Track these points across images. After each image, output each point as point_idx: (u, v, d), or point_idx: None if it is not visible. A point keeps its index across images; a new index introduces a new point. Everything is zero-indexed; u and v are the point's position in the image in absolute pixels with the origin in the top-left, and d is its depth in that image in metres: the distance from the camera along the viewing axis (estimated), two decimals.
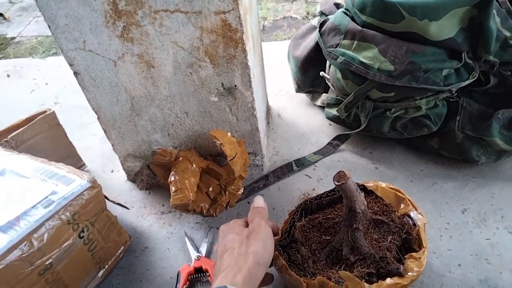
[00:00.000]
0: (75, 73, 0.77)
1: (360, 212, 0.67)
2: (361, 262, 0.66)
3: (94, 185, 0.76)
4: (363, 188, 0.78)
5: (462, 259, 0.78)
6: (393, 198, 0.75)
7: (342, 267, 0.67)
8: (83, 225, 0.73)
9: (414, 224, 0.70)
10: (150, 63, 0.76)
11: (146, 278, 0.81)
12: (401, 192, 0.75)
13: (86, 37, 0.71)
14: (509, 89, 0.89)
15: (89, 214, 0.75)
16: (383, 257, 0.66)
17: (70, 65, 0.75)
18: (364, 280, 0.63)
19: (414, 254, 0.66)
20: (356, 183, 0.78)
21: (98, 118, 0.86)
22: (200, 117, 0.86)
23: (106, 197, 0.81)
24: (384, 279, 0.62)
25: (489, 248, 0.79)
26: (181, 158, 0.90)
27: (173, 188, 0.85)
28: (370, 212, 0.72)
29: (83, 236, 0.73)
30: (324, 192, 0.78)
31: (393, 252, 0.67)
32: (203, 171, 0.93)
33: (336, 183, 0.63)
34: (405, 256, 0.67)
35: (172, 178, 0.87)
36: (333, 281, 0.63)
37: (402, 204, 0.74)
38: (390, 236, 0.69)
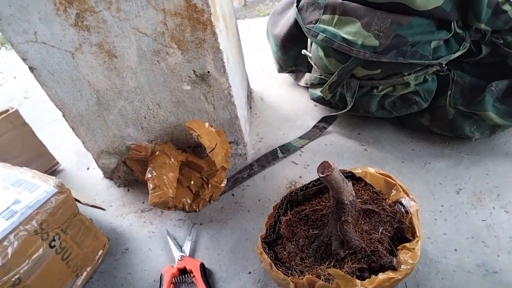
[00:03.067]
0: (31, 68, 0.70)
1: (348, 203, 0.62)
2: (351, 256, 0.62)
3: (62, 189, 0.70)
4: (351, 175, 0.73)
5: (458, 243, 0.74)
6: (383, 184, 0.71)
7: (332, 263, 0.63)
8: (53, 234, 0.68)
9: (407, 212, 0.66)
10: (111, 53, 0.69)
11: (128, 282, 0.76)
12: (391, 178, 0.70)
13: (37, 28, 0.64)
14: (502, 58, 0.84)
15: (59, 221, 0.69)
16: (375, 251, 0.61)
17: (23, 60, 0.68)
18: (355, 276, 0.59)
19: (407, 244, 0.62)
20: (343, 170, 0.73)
21: (64, 115, 0.79)
22: (174, 107, 0.80)
23: (77, 200, 0.75)
24: (376, 274, 0.58)
25: (486, 229, 0.75)
26: (157, 153, 0.84)
27: (151, 186, 0.80)
28: (359, 201, 0.68)
29: (54, 245, 0.68)
30: (310, 182, 0.74)
31: (385, 244, 0.63)
32: (182, 164, 0.87)
33: (321, 175, 0.58)
34: (398, 247, 0.62)
35: (149, 175, 0.81)
36: (322, 279, 0.59)
37: (393, 191, 0.70)
38: (382, 227, 0.65)
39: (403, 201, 0.67)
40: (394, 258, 0.60)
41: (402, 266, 0.59)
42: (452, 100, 0.85)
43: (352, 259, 0.62)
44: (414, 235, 0.63)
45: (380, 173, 0.71)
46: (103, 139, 0.84)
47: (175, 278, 0.74)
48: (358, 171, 0.72)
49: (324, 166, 0.59)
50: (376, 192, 0.70)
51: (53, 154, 1.00)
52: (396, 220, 0.65)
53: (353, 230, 0.63)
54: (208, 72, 0.74)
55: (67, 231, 0.71)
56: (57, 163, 1.01)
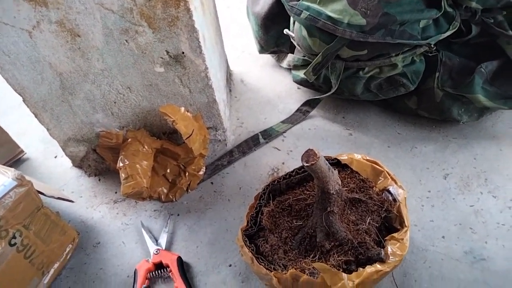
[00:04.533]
0: None
1: (334, 193, 0.59)
2: (337, 249, 0.59)
3: (22, 182, 0.64)
4: (336, 162, 0.69)
5: (446, 230, 0.72)
6: (370, 171, 0.67)
7: (317, 256, 0.60)
8: (13, 231, 0.62)
9: (394, 200, 0.63)
10: (74, 32, 0.62)
11: (99, 278, 0.72)
12: (378, 164, 0.67)
13: None
14: (491, 38, 0.80)
15: (20, 216, 0.63)
16: (362, 242, 0.58)
17: None
18: (341, 270, 0.56)
19: (395, 234, 0.59)
20: (328, 157, 0.69)
21: (24, 101, 0.72)
22: (146, 91, 0.74)
23: (41, 193, 0.69)
24: (364, 267, 0.55)
25: (474, 215, 0.73)
26: (130, 140, 0.78)
27: (123, 175, 0.75)
28: (346, 190, 0.64)
29: (15, 243, 0.63)
30: (294, 170, 0.70)
31: (372, 235, 0.60)
32: (157, 152, 0.82)
33: (305, 164, 0.54)
34: (386, 238, 0.59)
35: (121, 164, 0.76)
36: (307, 274, 0.55)
37: (380, 178, 0.66)
38: (369, 217, 0.61)
39: (391, 189, 0.64)
40: (382, 249, 0.57)
41: (391, 258, 0.56)
42: (440, 82, 0.82)
43: (338, 252, 0.59)
44: (402, 224, 0.61)
45: (367, 160, 0.68)
46: (70, 125, 0.78)
47: (151, 273, 0.70)
48: (344, 157, 0.69)
49: (309, 154, 0.55)
50: (362, 179, 0.67)
51: (16, 142, 0.92)
52: (383, 209, 0.62)
53: (339, 220, 0.60)
54: (183, 52, 0.68)
55: (29, 227, 0.65)
56: (22, 151, 0.94)
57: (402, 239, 0.58)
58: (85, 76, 0.69)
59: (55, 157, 0.93)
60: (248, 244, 0.61)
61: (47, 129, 0.78)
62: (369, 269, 0.55)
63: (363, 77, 0.84)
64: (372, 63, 0.81)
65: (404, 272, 0.67)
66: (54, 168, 0.91)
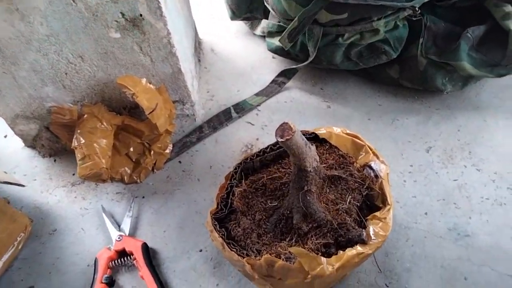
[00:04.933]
0: None
1: (312, 170, 0.53)
2: (316, 231, 0.54)
3: None
4: (313, 136, 0.64)
5: (429, 206, 0.68)
6: (351, 146, 0.62)
7: (294, 239, 0.55)
8: None
9: (376, 176, 0.58)
10: None
11: (56, 268, 0.65)
12: (359, 138, 0.62)
13: None
14: (479, 1, 0.75)
15: None
16: (342, 223, 0.54)
17: None
18: (320, 253, 0.52)
19: (377, 213, 0.54)
20: (305, 131, 0.64)
21: None
22: (102, 60, 0.65)
23: None
24: (344, 249, 0.51)
25: (457, 190, 0.70)
26: (86, 116, 0.70)
27: (79, 155, 0.68)
28: (324, 167, 0.59)
29: None
30: (268, 146, 0.64)
31: (353, 215, 0.55)
32: (118, 129, 0.74)
33: (280, 140, 0.48)
34: (368, 217, 0.55)
35: (77, 143, 0.68)
36: (282, 259, 0.51)
37: (361, 153, 0.61)
38: (349, 195, 0.57)
39: (373, 165, 0.59)
40: (363, 230, 0.53)
41: (373, 239, 0.52)
42: (424, 49, 0.76)
43: (317, 234, 0.54)
44: (384, 202, 0.56)
45: (347, 133, 0.62)
46: (16, 100, 0.69)
47: (113, 262, 0.64)
48: (322, 131, 0.63)
49: (284, 129, 0.49)
50: (342, 155, 0.61)
51: None
52: (365, 186, 0.58)
53: (317, 200, 0.55)
54: (141, 15, 0.60)
55: None
56: None
57: (385, 218, 0.53)
58: (28, 44, 0.60)
59: (5, 136, 0.84)
60: (219, 229, 0.56)
61: None
62: (350, 252, 0.50)
63: (342, 44, 0.78)
64: (353, 29, 0.75)
65: (385, 251, 0.64)
66: (3, 149, 0.82)
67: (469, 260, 0.62)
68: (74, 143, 0.68)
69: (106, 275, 0.62)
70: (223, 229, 0.56)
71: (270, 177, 0.61)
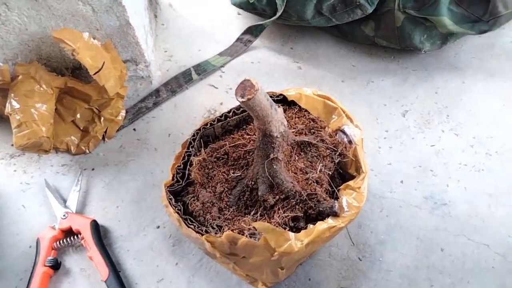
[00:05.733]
0: None
1: (279, 135, 0.48)
2: (283, 203, 0.49)
3: None
4: (282, 98, 0.57)
5: (405, 173, 0.64)
6: (322, 109, 0.56)
7: (259, 212, 0.50)
8: None
9: (350, 142, 0.53)
10: None
11: None
12: (331, 100, 0.56)
13: None
14: None
15: None
16: (312, 194, 0.48)
17: None
18: (288, 228, 0.47)
19: (351, 183, 0.50)
20: (272, 92, 0.57)
21: None
22: (32, 9, 0.55)
23: None
24: (314, 223, 0.46)
25: (434, 156, 0.66)
26: (20, 77, 0.61)
27: (14, 123, 0.59)
28: (293, 132, 0.53)
29: None
30: (231, 110, 0.57)
31: (324, 184, 0.50)
32: (61, 92, 0.66)
33: (241, 99, 0.42)
34: (340, 187, 0.50)
35: (10, 108, 0.59)
36: (246, 235, 0.45)
37: (333, 116, 0.56)
38: (320, 163, 0.51)
39: (346, 129, 0.54)
40: (335, 201, 0.48)
41: (346, 211, 0.47)
42: (401, 3, 0.70)
43: (284, 206, 0.49)
44: (358, 170, 0.51)
45: (318, 95, 0.56)
46: None
47: (58, 242, 0.57)
48: (290, 93, 0.57)
49: (245, 87, 0.42)
50: (313, 119, 0.56)
51: None
52: (337, 153, 0.52)
53: (285, 169, 0.49)
54: None
55: None
56: None
57: (359, 187, 0.49)
58: None
59: None
60: (174, 203, 0.50)
61: None
62: (321, 225, 0.45)
63: None
64: None
65: (359, 223, 0.59)
66: None
67: (445, 230, 0.58)
68: (8, 108, 0.59)
69: (50, 257, 0.55)
70: (179, 204, 0.50)
71: (233, 144, 0.55)
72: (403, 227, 0.59)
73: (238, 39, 0.82)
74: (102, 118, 0.68)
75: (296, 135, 0.53)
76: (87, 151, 0.67)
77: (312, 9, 0.73)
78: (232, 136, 0.56)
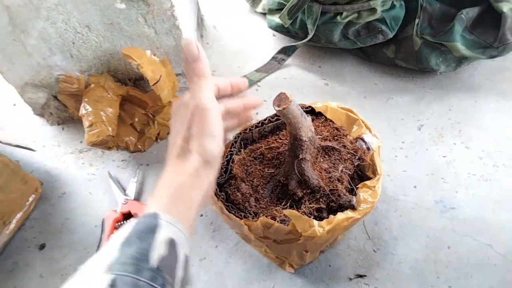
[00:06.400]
0: None
1: (307, 139, 0.56)
2: (309, 196, 0.58)
3: None
4: (310, 110, 0.67)
5: (418, 180, 0.72)
6: (345, 119, 0.65)
7: (288, 203, 0.58)
8: None
9: (368, 148, 0.62)
10: None
11: (66, 228, 0.69)
12: (353, 113, 0.65)
13: None
14: None
15: None
16: (334, 190, 0.57)
17: None
18: (313, 217, 0.55)
19: (367, 182, 0.58)
20: (302, 105, 0.67)
21: None
22: (108, 31, 0.68)
23: None
24: (335, 214, 0.54)
25: (446, 166, 0.73)
26: (92, 85, 0.73)
27: (86, 123, 0.71)
28: (319, 138, 0.62)
29: None
30: (266, 118, 0.67)
31: (344, 182, 0.59)
32: (123, 99, 0.77)
33: (277, 108, 0.51)
34: (358, 186, 0.58)
35: (84, 111, 0.71)
36: (278, 221, 0.54)
37: (354, 126, 0.64)
38: (342, 165, 0.60)
39: (365, 137, 0.63)
40: (353, 197, 0.56)
41: (362, 205, 0.55)
42: (419, 29, 0.79)
43: (310, 199, 0.57)
44: (375, 172, 0.59)
45: (342, 108, 0.65)
46: (25, 68, 0.72)
47: (119, 223, 0.67)
48: (318, 105, 0.66)
49: (281, 98, 0.52)
50: (336, 128, 0.64)
51: None
52: (357, 157, 0.61)
53: (311, 168, 0.58)
54: None
55: None
56: None
57: (374, 186, 0.57)
58: (37, 12, 0.63)
59: (14, 105, 0.87)
60: (218, 193, 0.59)
61: (0, 73, 0.72)
62: (340, 216, 0.54)
63: (340, 22, 0.80)
64: (350, 7, 0.77)
65: (375, 220, 0.67)
66: (13, 117, 0.85)
67: (453, 231, 0.65)
68: (82, 111, 0.71)
69: (112, 235, 0.65)
70: (222, 193, 0.60)
71: (268, 147, 0.64)
72: (415, 226, 0.66)
73: (273, 58, 0.93)
74: (156, 122, 0.79)
75: (322, 141, 0.62)
76: (143, 149, 0.78)
77: (339, 33, 0.82)
78: (267, 139, 0.66)
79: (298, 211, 0.56)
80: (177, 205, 0.38)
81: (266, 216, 0.55)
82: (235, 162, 0.63)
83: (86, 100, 0.72)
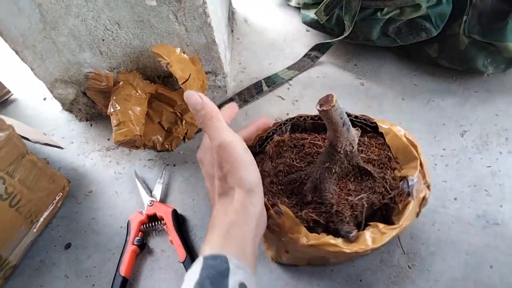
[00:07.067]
0: None
1: (342, 152, 0.52)
2: (316, 205, 0.53)
3: (2, 127, 0.58)
4: (374, 126, 0.60)
5: (459, 191, 0.67)
6: (404, 151, 0.57)
7: (294, 201, 0.55)
8: None
9: (409, 194, 0.53)
10: None
11: (91, 228, 0.69)
12: (416, 149, 0.56)
13: None
14: None
15: (3, 163, 0.59)
16: (340, 212, 0.51)
17: None
18: (307, 226, 0.51)
19: (381, 225, 0.50)
20: (367, 117, 0.60)
21: (1, 35, 0.65)
22: (138, 28, 0.66)
23: (25, 138, 0.64)
24: (329, 234, 0.50)
25: (490, 177, 0.68)
26: (121, 83, 0.72)
27: (114, 122, 0.69)
28: (363, 157, 0.57)
29: None
30: None
31: (357, 212, 0.52)
32: (151, 97, 0.76)
33: (318, 108, 0.47)
34: (371, 223, 0.52)
35: (112, 109, 0.70)
36: (274, 210, 0.51)
37: (411, 164, 0.56)
38: (368, 194, 0.53)
39: (410, 180, 0.53)
40: (355, 230, 0.50)
41: (358, 244, 0.49)
42: (467, 28, 0.73)
43: (315, 208, 0.53)
44: (399, 220, 0.51)
45: (407, 138, 0.57)
46: (55, 65, 0.71)
47: (144, 226, 0.67)
48: (383, 125, 0.59)
49: (327, 100, 0.47)
50: (390, 156, 0.57)
51: (2, 82, 0.86)
52: (388, 196, 0.53)
53: (334, 182, 0.54)
54: None
55: (14, 174, 0.61)
56: (8, 91, 0.88)
57: (385, 233, 0.49)
58: (67, 9, 0.61)
59: (44, 99, 0.87)
60: None
61: (31, 69, 0.72)
62: (329, 239, 0.49)
63: (381, 19, 0.75)
64: (393, 3, 0.72)
65: (411, 234, 0.63)
66: (43, 112, 0.86)
67: (496, 249, 0.61)
68: (110, 109, 0.70)
69: (138, 238, 0.64)
70: None
71: (312, 141, 0.60)
72: (454, 241, 0.62)
73: (306, 55, 0.89)
74: (184, 121, 0.77)
75: (364, 161, 0.56)
76: (170, 149, 0.77)
77: (378, 30, 0.77)
78: (316, 134, 0.61)
79: (297, 213, 0.53)
80: (231, 245, 0.39)
81: (268, 200, 0.53)
82: (274, 141, 0.60)
83: (114, 98, 0.71)
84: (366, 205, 0.52)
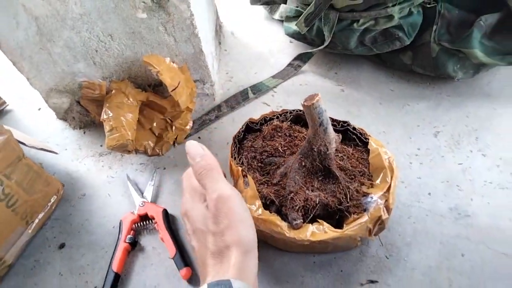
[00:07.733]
0: None
1: (316, 150, 0.57)
2: (279, 188, 0.59)
3: (1, 131, 0.62)
4: (365, 140, 0.65)
5: (433, 187, 0.71)
6: (381, 172, 0.60)
7: (264, 180, 0.61)
8: None
9: (365, 210, 0.56)
10: None
11: (85, 229, 0.71)
12: (393, 174, 0.58)
13: None
14: None
15: (1, 165, 0.62)
16: (294, 201, 0.56)
17: None
18: (262, 202, 0.57)
19: (326, 225, 0.54)
20: (362, 130, 0.65)
21: (0, 47, 0.69)
22: (129, 39, 0.70)
23: (22, 143, 0.67)
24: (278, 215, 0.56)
25: (461, 173, 0.73)
26: (113, 91, 0.76)
27: (107, 127, 0.73)
28: (339, 163, 0.61)
29: None
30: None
31: (310, 207, 0.56)
32: (143, 104, 0.80)
33: (301, 102, 0.53)
34: (319, 220, 0.55)
35: (105, 116, 0.74)
36: (243, 181, 0.58)
37: (382, 184, 0.58)
38: (326, 195, 0.58)
39: (370, 199, 0.56)
40: (301, 220, 0.54)
41: (299, 233, 0.53)
42: (437, 36, 0.78)
43: (276, 191, 0.59)
44: (342, 226, 0.56)
45: (389, 163, 0.59)
46: (51, 75, 0.75)
47: (136, 225, 0.70)
48: (373, 145, 0.62)
49: (312, 98, 0.53)
50: (363, 172, 0.61)
51: None
52: (346, 204, 0.57)
53: (302, 174, 0.58)
54: None
55: (11, 177, 0.64)
56: (4, 102, 0.91)
57: (327, 233, 0.53)
58: (63, 21, 0.66)
59: (39, 109, 0.91)
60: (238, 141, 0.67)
61: (27, 79, 0.76)
62: (275, 219, 0.54)
63: (357, 29, 0.81)
64: (368, 14, 0.78)
65: (388, 227, 0.67)
66: (38, 121, 0.89)
67: (467, 238, 0.65)
68: (103, 116, 0.74)
69: (129, 236, 0.67)
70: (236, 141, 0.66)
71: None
72: (428, 232, 0.66)
73: (289, 64, 0.94)
74: (174, 127, 0.81)
75: (338, 167, 0.59)
76: (160, 153, 0.80)
77: (356, 40, 0.83)
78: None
79: (261, 190, 0.58)
80: None
81: (242, 171, 0.59)
82: (272, 124, 0.67)
83: (107, 105, 0.74)
84: (318, 203, 0.56)
